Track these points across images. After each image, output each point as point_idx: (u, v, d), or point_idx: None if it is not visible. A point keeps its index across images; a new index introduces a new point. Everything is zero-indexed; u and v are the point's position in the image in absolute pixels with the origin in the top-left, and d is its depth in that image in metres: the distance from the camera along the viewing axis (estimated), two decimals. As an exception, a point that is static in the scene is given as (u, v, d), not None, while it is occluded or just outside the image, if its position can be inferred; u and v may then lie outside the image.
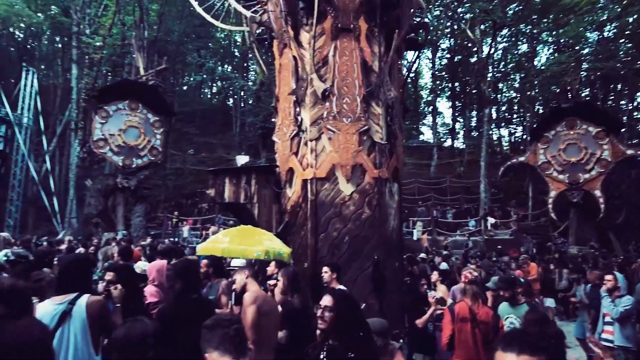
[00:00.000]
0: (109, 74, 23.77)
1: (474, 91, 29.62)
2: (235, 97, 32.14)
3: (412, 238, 16.71)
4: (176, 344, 2.43)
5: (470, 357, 3.28)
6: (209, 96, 36.85)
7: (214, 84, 34.89)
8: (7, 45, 28.05)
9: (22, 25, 25.87)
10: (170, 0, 25.62)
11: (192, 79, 31.89)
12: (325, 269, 4.33)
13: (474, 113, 33.52)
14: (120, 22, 21.12)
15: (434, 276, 5.49)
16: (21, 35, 28.94)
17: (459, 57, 31.92)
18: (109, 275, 3.16)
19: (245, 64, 33.53)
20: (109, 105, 15.53)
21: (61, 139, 22.80)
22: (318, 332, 2.29)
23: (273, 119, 8.25)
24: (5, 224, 18.62)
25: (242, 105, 30.64)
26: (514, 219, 18.70)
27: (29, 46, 28.78)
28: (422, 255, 11.07)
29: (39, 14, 23.02)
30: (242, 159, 7.97)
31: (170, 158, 23.05)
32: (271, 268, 4.37)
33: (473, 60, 28.88)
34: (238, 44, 33.04)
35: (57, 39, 25.84)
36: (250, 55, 30.55)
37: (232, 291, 3.29)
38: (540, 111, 27.96)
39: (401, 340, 5.59)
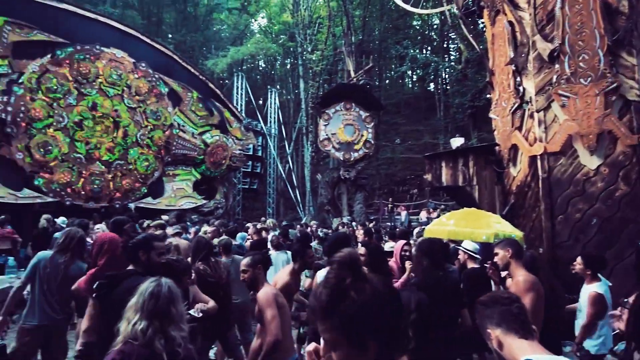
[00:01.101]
0: (326, 82, 27.38)
1: None
2: (437, 80, 31.28)
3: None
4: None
5: None
6: (409, 85, 37.29)
7: (414, 73, 34.98)
8: (255, 74, 36.41)
9: (263, 56, 32.94)
10: (371, 2, 27.28)
11: (393, 72, 33.00)
12: (578, 259, 3.80)
13: None
14: (332, 34, 24.03)
15: None
16: (263, 65, 37.02)
17: None
18: (360, 250, 3.79)
19: (445, 45, 32.15)
20: (329, 109, 18.00)
21: (296, 143, 27.93)
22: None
23: (488, 95, 7.74)
24: (266, 212, 24.26)
25: (446, 88, 29.54)
26: None
27: (268, 72, 36.52)
28: None
29: (274, 44, 28.72)
30: (457, 142, 7.84)
31: (381, 149, 24.67)
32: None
33: None
34: (435, 26, 32.02)
35: (287, 61, 31.66)
36: (452, 35, 29.12)
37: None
38: None
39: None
